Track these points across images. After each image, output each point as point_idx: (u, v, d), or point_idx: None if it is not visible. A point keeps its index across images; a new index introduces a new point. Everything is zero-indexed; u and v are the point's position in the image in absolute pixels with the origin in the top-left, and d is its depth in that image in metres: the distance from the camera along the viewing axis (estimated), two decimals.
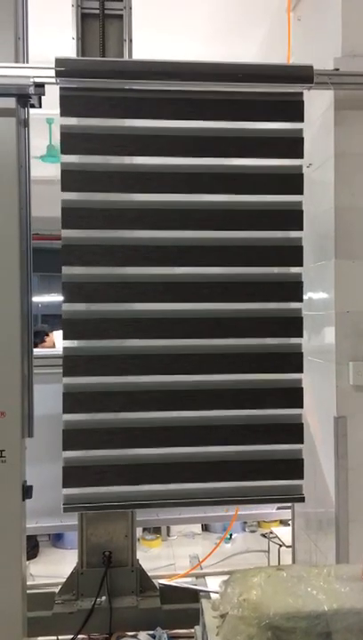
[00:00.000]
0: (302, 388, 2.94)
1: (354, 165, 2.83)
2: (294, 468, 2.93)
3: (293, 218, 2.90)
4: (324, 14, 3.05)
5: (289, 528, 3.75)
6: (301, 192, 2.90)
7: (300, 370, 2.93)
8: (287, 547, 3.82)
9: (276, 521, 4.84)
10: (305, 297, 2.99)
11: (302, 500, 2.97)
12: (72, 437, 2.80)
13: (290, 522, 3.71)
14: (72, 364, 2.81)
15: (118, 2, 3.09)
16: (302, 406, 2.93)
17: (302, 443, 2.93)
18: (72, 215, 2.79)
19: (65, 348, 2.82)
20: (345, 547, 2.78)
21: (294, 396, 2.93)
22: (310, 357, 3.09)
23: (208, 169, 2.86)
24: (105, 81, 2.75)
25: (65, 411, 2.80)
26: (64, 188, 2.79)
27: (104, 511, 3.10)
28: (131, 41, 3.09)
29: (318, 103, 2.96)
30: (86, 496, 2.84)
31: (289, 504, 3.65)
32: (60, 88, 2.73)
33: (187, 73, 2.76)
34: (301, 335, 2.94)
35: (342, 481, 2.80)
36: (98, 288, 2.81)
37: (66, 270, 2.80)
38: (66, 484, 2.81)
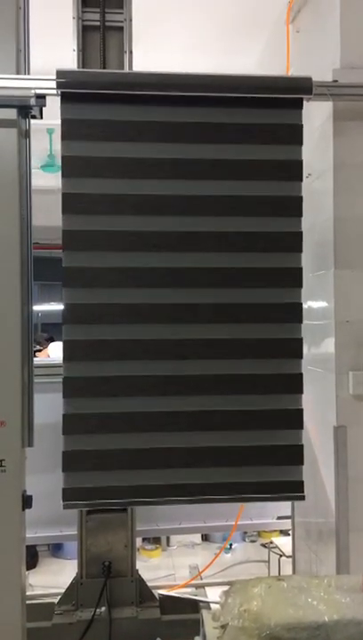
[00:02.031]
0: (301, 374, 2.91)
1: (353, 175, 2.85)
2: (295, 453, 2.89)
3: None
4: (322, 27, 3.08)
5: (289, 538, 3.74)
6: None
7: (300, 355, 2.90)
8: (288, 557, 3.82)
9: (276, 531, 4.81)
10: (305, 306, 2.99)
11: (302, 497, 2.91)
12: (72, 422, 2.78)
13: (290, 532, 3.70)
14: (72, 349, 2.79)
15: (119, 14, 3.12)
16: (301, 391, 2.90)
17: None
18: (72, 201, 2.78)
19: (65, 334, 2.80)
20: (346, 557, 2.77)
21: (295, 383, 2.90)
22: (310, 367, 3.09)
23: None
24: (105, 92, 2.76)
25: (65, 396, 2.77)
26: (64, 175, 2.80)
27: (103, 508, 3.03)
28: (131, 53, 3.12)
29: (317, 114, 2.98)
30: (86, 489, 2.79)
31: (289, 515, 3.65)
32: (61, 99, 2.74)
33: (187, 84, 2.78)
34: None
35: (342, 490, 2.80)
36: (98, 273, 2.79)
37: (66, 256, 2.79)
38: (66, 469, 2.77)
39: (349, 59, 2.86)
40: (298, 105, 2.84)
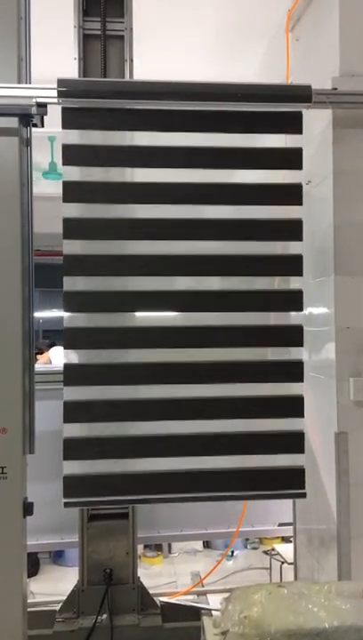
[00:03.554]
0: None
1: (353, 183, 2.86)
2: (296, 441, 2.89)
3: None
4: (322, 35, 3.10)
5: (291, 545, 3.73)
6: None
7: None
8: (289, 564, 3.80)
9: (278, 538, 4.80)
10: (305, 312, 3.00)
11: (303, 495, 2.90)
12: (72, 411, 2.79)
13: (292, 539, 3.70)
14: (73, 337, 2.80)
15: (119, 23, 3.15)
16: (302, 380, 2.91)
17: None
18: (73, 190, 2.80)
19: (66, 321, 2.81)
20: (347, 563, 2.77)
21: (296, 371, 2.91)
22: (311, 373, 3.09)
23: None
24: (106, 101, 2.78)
25: (65, 384, 2.78)
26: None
27: (103, 507, 3.08)
28: (132, 61, 3.15)
29: (316, 122, 3.00)
30: (87, 481, 2.79)
31: (291, 522, 3.65)
32: (62, 108, 2.76)
33: (187, 93, 2.79)
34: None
35: (343, 497, 2.79)
36: (97, 261, 2.80)
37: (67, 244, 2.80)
38: (67, 457, 2.77)
39: (348, 66, 2.87)
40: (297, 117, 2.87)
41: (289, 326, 2.93)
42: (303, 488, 2.88)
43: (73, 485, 2.77)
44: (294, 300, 2.91)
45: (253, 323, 2.89)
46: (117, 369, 2.82)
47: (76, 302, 2.81)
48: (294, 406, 2.89)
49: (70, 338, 2.80)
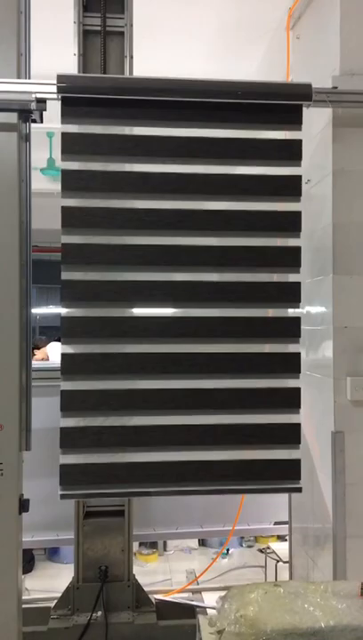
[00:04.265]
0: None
1: (352, 182, 2.86)
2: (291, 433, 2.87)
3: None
4: (322, 33, 3.09)
5: (286, 543, 3.74)
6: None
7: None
8: (285, 562, 3.81)
9: (273, 536, 4.82)
10: (303, 311, 3.00)
11: (299, 490, 2.87)
12: (70, 401, 2.76)
13: (287, 537, 3.70)
14: (70, 327, 2.79)
15: (119, 19, 3.13)
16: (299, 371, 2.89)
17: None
18: (72, 178, 2.78)
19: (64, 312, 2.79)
20: (343, 563, 2.77)
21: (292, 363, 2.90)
22: (309, 372, 3.10)
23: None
24: (106, 97, 2.77)
25: (63, 373, 2.76)
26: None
27: (99, 497, 2.99)
28: (132, 57, 3.13)
29: (316, 120, 3.00)
30: (83, 467, 2.77)
31: (286, 521, 3.65)
32: (62, 104, 2.75)
33: (187, 90, 2.78)
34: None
35: (339, 496, 2.80)
36: (96, 250, 2.78)
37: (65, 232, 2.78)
38: (63, 446, 2.75)
39: (348, 65, 2.87)
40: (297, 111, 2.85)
41: (287, 318, 2.90)
42: (299, 478, 2.86)
43: (69, 474, 2.74)
44: (291, 291, 2.89)
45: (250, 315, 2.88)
46: (114, 359, 2.80)
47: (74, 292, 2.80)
48: (291, 397, 2.87)
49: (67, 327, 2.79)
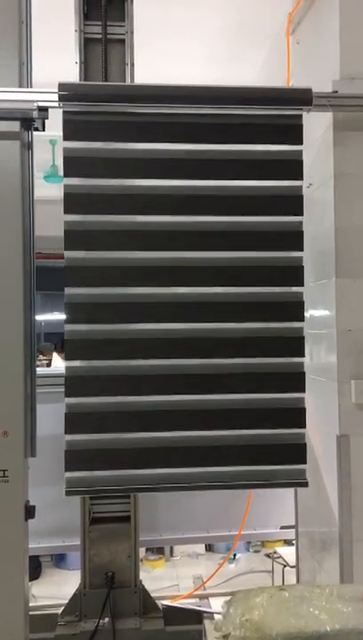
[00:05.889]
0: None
1: (353, 185, 2.87)
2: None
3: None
4: (322, 38, 3.11)
5: (293, 548, 3.73)
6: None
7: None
8: (291, 567, 3.80)
9: (280, 541, 4.80)
10: (307, 315, 3.00)
11: (305, 484, 2.90)
12: (74, 385, 2.80)
13: (294, 541, 3.69)
14: (74, 311, 2.82)
15: (120, 27, 3.15)
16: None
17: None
18: (75, 164, 2.82)
19: (67, 296, 2.82)
20: (349, 566, 2.76)
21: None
22: (313, 376, 3.09)
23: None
24: (107, 105, 2.79)
25: (67, 358, 2.79)
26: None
27: (105, 495, 3.07)
28: (133, 65, 3.15)
29: (317, 125, 3.00)
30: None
31: (293, 525, 3.64)
32: (64, 112, 2.77)
33: (189, 96, 2.80)
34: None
35: (345, 500, 2.79)
36: (99, 236, 2.81)
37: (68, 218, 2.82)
38: (69, 431, 2.78)
39: (348, 70, 2.88)
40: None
41: (290, 302, 2.93)
42: (304, 463, 2.88)
43: (74, 460, 2.77)
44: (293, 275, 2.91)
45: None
46: (119, 344, 2.82)
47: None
48: (295, 381, 2.90)
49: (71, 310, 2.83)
